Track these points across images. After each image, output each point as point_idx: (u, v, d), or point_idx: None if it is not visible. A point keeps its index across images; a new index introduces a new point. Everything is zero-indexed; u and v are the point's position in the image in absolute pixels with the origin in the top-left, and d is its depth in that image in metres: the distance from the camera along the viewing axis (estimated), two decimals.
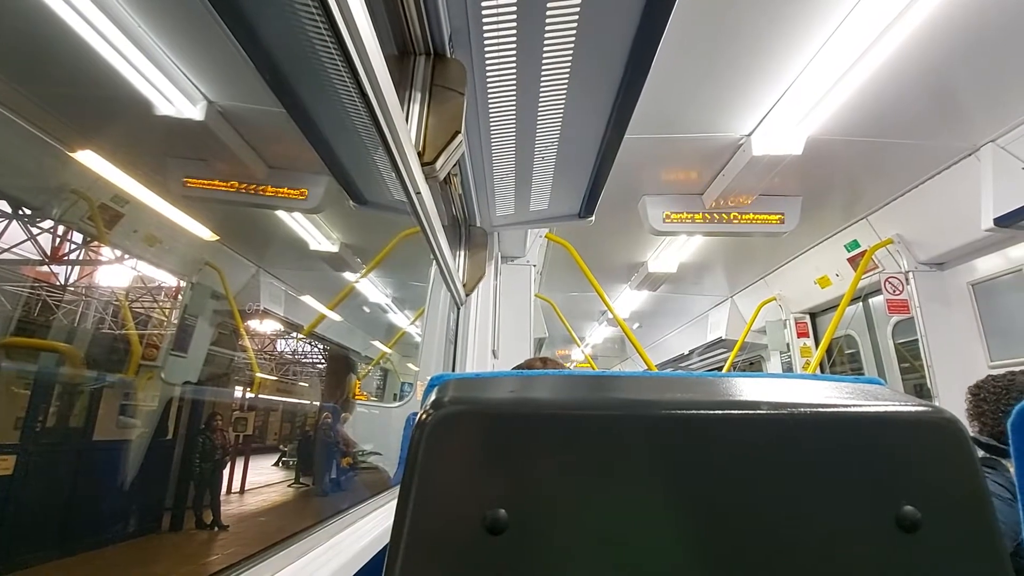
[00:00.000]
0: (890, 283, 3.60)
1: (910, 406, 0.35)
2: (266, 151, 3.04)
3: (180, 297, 6.14)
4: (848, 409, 0.35)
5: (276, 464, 10.01)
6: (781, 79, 2.25)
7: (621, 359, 10.59)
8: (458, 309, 2.28)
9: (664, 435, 0.36)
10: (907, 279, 3.52)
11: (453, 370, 2.22)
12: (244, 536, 5.48)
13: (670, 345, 7.88)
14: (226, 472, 6.63)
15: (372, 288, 6.06)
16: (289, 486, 8.32)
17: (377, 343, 9.01)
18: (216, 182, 3.16)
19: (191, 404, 5.52)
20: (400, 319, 7.44)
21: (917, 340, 3.46)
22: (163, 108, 2.50)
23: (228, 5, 1.13)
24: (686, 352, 7.09)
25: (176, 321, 5.98)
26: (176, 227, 3.80)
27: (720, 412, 0.36)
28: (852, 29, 1.93)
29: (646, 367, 3.65)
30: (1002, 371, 1.58)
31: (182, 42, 2.19)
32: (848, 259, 4.02)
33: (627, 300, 6.17)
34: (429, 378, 0.47)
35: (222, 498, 6.30)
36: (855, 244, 3.90)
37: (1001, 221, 2.61)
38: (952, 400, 3.23)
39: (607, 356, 10.58)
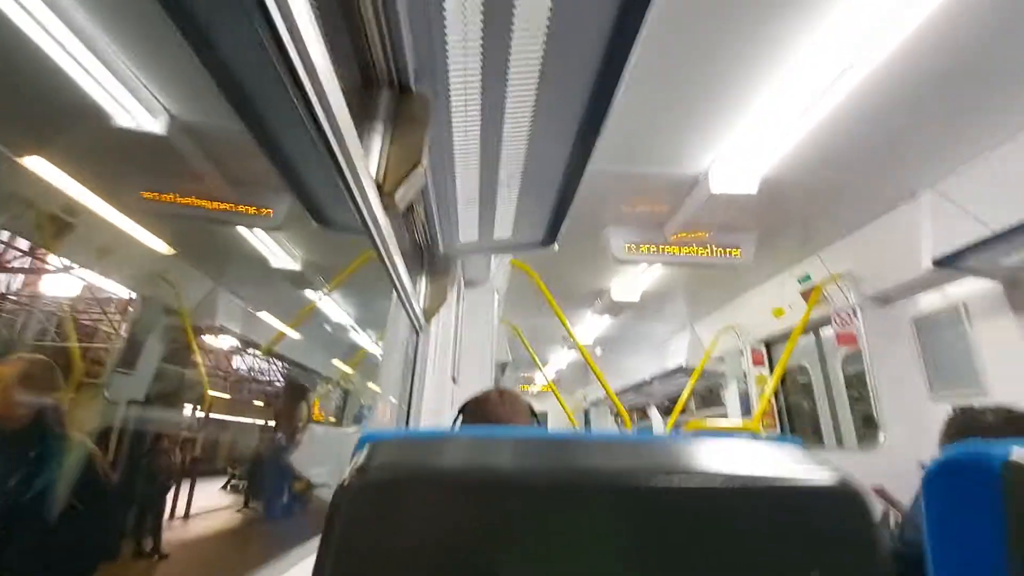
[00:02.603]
0: (839, 316, 3.76)
1: (818, 476, 0.37)
2: (230, 167, 2.99)
3: (131, 311, 5.88)
4: (759, 481, 0.36)
5: (224, 488, 9.55)
6: (738, 123, 2.37)
7: (584, 384, 10.63)
8: (417, 335, 2.26)
9: (581, 504, 0.36)
10: (855, 313, 3.68)
11: (410, 396, 2.18)
12: (184, 565, 5.19)
13: (632, 370, 7.97)
14: (170, 496, 6.30)
15: (335, 307, 5.94)
16: (238, 511, 7.94)
17: (338, 363, 8.80)
18: (176, 196, 3.08)
19: (135, 424, 5.25)
20: (363, 339, 7.31)
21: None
22: (122, 120, 2.44)
23: (190, 23, 1.12)
24: (647, 378, 7.18)
25: (125, 336, 5.71)
26: (131, 240, 3.67)
27: (632, 481, 0.36)
28: (803, 78, 2.05)
29: (605, 393, 3.67)
30: (978, 403, 1.53)
31: (145, 55, 2.16)
32: (801, 292, 4.18)
33: (591, 325, 6.25)
34: (360, 436, 0.46)
35: (164, 523, 5.96)
36: (807, 278, 4.07)
37: (939, 262, 2.77)
38: (897, 431, 3.37)
39: (570, 380, 10.60)
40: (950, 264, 2.74)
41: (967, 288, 3.06)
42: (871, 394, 3.57)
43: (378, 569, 0.35)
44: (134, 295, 5.65)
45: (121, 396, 4.92)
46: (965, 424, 1.44)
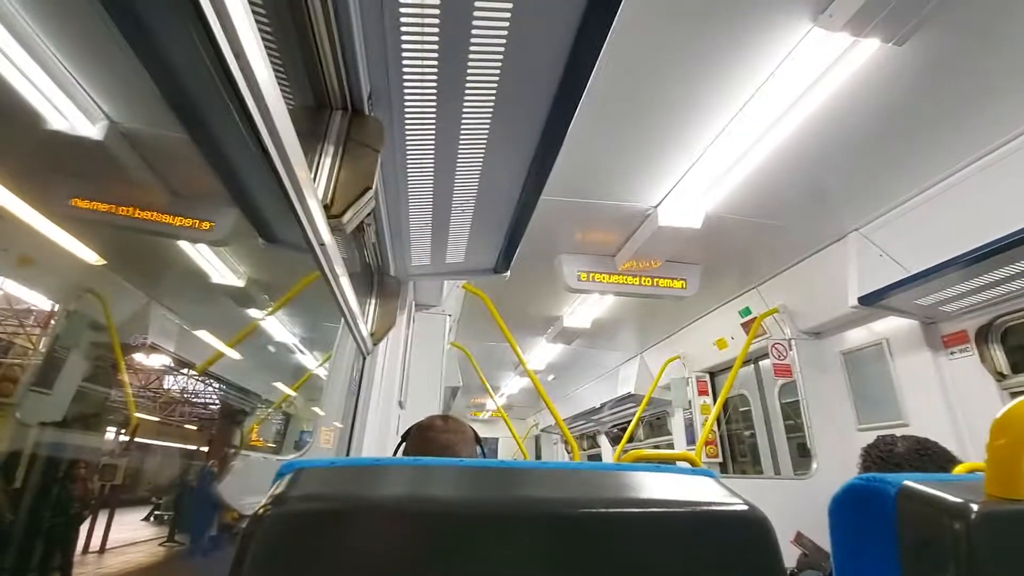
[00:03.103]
0: (776, 348, 3.93)
1: (728, 505, 0.39)
2: (172, 178, 2.87)
3: (53, 324, 5.46)
4: (672, 508, 0.38)
5: (147, 519, 8.84)
6: (683, 162, 2.50)
7: (536, 410, 10.60)
8: (363, 358, 2.20)
9: (507, 533, 0.36)
10: (790, 345, 3.86)
11: (353, 422, 2.11)
12: None
13: (584, 398, 8.02)
14: (84, 528, 5.78)
15: (279, 327, 5.72)
16: (161, 544, 7.36)
17: (281, 385, 8.42)
18: (110, 205, 2.92)
19: (49, 448, 4.81)
20: (309, 360, 7.05)
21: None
22: (56, 123, 2.31)
23: (133, 27, 1.09)
24: (598, 405, 7.23)
25: (44, 352, 5.28)
26: (56, 248, 3.43)
27: (556, 510, 0.37)
28: (741, 126, 2.19)
29: (554, 421, 3.68)
30: (900, 433, 1.62)
31: (85, 59, 2.06)
32: (742, 324, 4.36)
33: (543, 352, 6.27)
34: (280, 464, 0.44)
35: (76, 559, 5.46)
36: (747, 311, 4.26)
37: (863, 300, 2.97)
38: (829, 459, 3.54)
39: (522, 406, 10.54)
40: (873, 303, 2.93)
41: (890, 325, 3.28)
42: (804, 424, 3.73)
43: None
44: (57, 307, 5.26)
45: (35, 417, 4.52)
46: (879, 453, 1.53)
